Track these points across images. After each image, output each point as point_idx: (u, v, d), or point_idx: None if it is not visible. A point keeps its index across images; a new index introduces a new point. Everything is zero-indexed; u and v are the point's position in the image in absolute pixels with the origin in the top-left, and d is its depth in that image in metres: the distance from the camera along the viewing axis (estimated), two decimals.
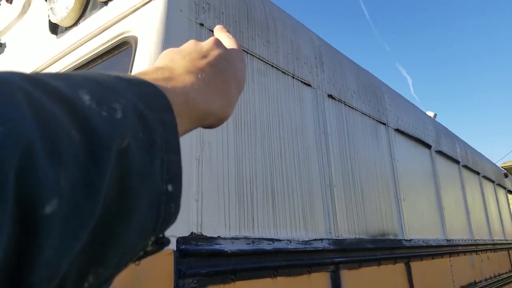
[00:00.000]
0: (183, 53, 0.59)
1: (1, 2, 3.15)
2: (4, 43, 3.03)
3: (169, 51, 0.62)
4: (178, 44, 1.73)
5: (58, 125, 0.30)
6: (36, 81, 0.32)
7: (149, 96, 0.41)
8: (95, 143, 0.31)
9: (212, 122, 0.58)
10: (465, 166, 6.12)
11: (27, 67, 2.62)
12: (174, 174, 0.41)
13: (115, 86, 0.38)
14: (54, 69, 2.39)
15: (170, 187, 0.40)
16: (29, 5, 2.84)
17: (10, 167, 0.25)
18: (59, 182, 0.28)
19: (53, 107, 0.30)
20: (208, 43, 0.63)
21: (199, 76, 0.55)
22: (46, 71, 2.48)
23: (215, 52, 0.61)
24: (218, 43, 0.64)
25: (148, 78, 0.47)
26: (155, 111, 0.40)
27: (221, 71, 0.60)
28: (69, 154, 0.29)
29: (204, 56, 0.59)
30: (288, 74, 2.57)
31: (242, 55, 0.72)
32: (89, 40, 2.16)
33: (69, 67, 2.27)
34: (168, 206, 0.40)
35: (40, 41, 2.60)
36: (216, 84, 0.57)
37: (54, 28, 2.46)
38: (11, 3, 2.98)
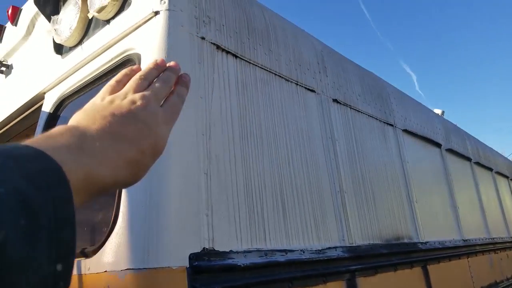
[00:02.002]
0: (103, 112, 0.56)
1: (6, 25, 3.18)
2: (11, 65, 3.06)
3: (92, 106, 0.60)
4: (180, 59, 1.72)
5: None
6: None
7: (40, 173, 0.39)
8: None
9: (117, 188, 0.56)
10: (477, 163, 6.02)
11: (33, 89, 2.63)
12: (64, 252, 0.39)
13: None
14: (60, 89, 2.39)
15: (59, 267, 0.38)
16: (33, 27, 2.86)
17: None
18: None
19: None
20: (132, 103, 0.59)
21: (111, 144, 0.52)
22: (52, 91, 2.48)
23: (136, 117, 0.58)
24: (144, 104, 0.60)
25: (51, 143, 0.45)
26: (44, 189, 0.38)
27: (136, 140, 0.56)
28: None
29: (123, 122, 0.56)
30: (291, 81, 2.55)
31: (178, 108, 0.68)
32: (93, 59, 2.16)
33: (75, 86, 2.27)
34: (56, 285, 0.38)
35: (45, 62, 2.61)
36: (128, 154, 0.55)
37: (59, 49, 2.47)
38: (16, 25, 3.01)
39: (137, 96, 0.61)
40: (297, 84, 2.60)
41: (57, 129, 0.51)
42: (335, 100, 2.95)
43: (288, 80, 2.53)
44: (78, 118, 0.56)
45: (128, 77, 0.68)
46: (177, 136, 1.65)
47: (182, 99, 0.72)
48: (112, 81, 0.68)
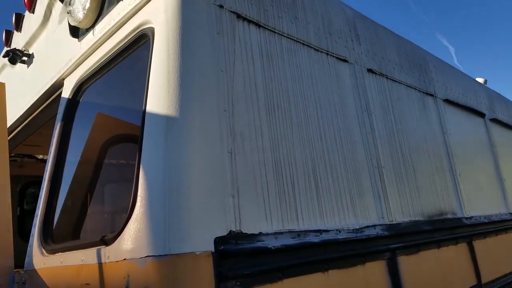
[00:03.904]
0: None
1: (24, 13, 3.16)
2: (32, 54, 3.04)
3: None
4: (197, 30, 1.60)
5: None
6: None
7: None
8: None
9: None
10: None
11: (52, 76, 2.60)
12: None
13: None
14: (78, 73, 2.34)
15: None
16: (50, 12, 2.81)
17: None
18: None
19: None
20: None
21: None
22: (70, 77, 2.44)
23: None
24: None
25: None
26: None
27: None
28: None
29: None
30: (321, 51, 2.38)
31: None
32: (108, 38, 2.08)
33: (92, 69, 2.21)
34: None
35: (63, 47, 2.57)
36: None
37: (75, 31, 2.41)
38: (33, 12, 2.98)
39: None
40: (327, 54, 2.42)
41: None
42: (369, 70, 2.76)
43: (317, 50, 2.36)
44: None
45: None
46: (196, 113, 1.55)
47: None
48: None
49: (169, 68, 1.57)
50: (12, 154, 4.27)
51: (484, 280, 3.17)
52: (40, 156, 4.73)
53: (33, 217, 2.22)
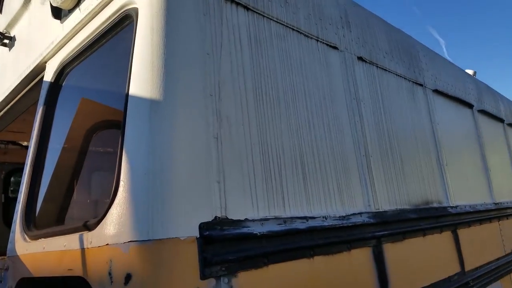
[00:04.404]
0: None
1: None
2: (14, 36, 2.96)
3: None
4: (182, 11, 1.56)
5: None
6: None
7: None
8: None
9: None
10: (510, 125, 5.74)
11: (35, 59, 2.53)
12: None
13: None
14: (60, 56, 2.28)
15: None
16: None
17: None
18: None
19: None
20: None
21: None
22: (53, 60, 2.38)
23: None
24: None
25: None
26: None
27: None
28: None
29: None
30: (311, 37, 2.35)
31: None
32: (91, 20, 2.02)
33: (74, 51, 2.15)
34: None
35: (45, 30, 2.49)
36: None
37: (57, 13, 2.33)
38: None
39: None
40: (317, 40, 2.40)
41: None
42: (360, 58, 2.74)
43: (307, 36, 2.33)
44: None
45: None
46: (181, 96, 1.52)
47: None
48: None
49: (153, 50, 1.53)
50: None
51: (468, 267, 3.23)
52: (25, 143, 4.65)
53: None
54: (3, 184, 4.45)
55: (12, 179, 4.60)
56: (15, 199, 4.36)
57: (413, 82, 3.38)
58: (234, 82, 1.75)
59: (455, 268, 3.09)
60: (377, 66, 2.92)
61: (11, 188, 4.55)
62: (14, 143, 4.52)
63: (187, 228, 1.38)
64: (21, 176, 4.55)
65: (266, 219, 1.69)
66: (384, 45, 3.10)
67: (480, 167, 4.34)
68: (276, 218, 1.74)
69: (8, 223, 3.63)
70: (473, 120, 4.51)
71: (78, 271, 1.50)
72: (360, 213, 2.27)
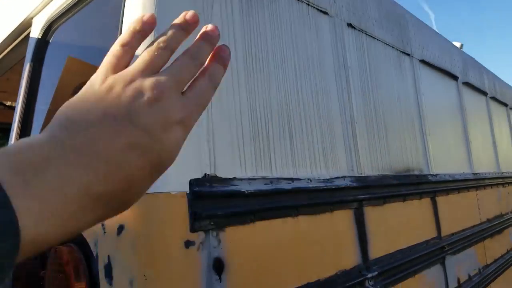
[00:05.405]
0: (93, 112, 0.42)
1: None
2: None
3: (85, 94, 0.46)
4: None
5: None
6: None
7: None
8: None
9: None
10: (493, 98, 5.87)
11: (19, 15, 2.47)
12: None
13: None
14: (48, 11, 2.23)
15: None
16: None
17: None
18: None
19: None
20: (136, 95, 0.43)
21: (89, 173, 0.39)
22: (39, 15, 2.33)
23: (137, 122, 0.42)
24: (155, 98, 0.43)
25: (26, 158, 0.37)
26: None
27: (127, 163, 0.42)
28: None
29: (114, 133, 0.41)
30: (302, 1, 2.35)
31: (206, 98, 0.49)
32: None
33: (63, 6, 2.11)
34: None
35: None
36: (115, 187, 0.42)
37: None
38: None
39: (148, 83, 0.44)
40: (308, 5, 2.40)
41: (43, 136, 0.40)
42: (349, 25, 2.75)
43: (298, 0, 2.33)
44: (64, 116, 0.44)
45: (140, 36, 0.49)
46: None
47: (215, 83, 0.52)
48: (116, 45, 0.48)
49: (144, 7, 1.53)
50: None
51: (444, 233, 3.39)
52: (8, 103, 4.58)
53: None
54: None
55: None
56: None
57: (401, 51, 3.41)
58: (224, 43, 1.75)
59: (432, 233, 3.24)
60: (366, 34, 2.93)
61: None
62: None
63: (178, 184, 1.42)
64: (5, 137, 4.48)
65: (253, 179, 1.75)
66: (374, 13, 3.10)
67: (461, 138, 4.46)
68: (263, 178, 1.80)
69: None
70: (457, 92, 4.59)
71: None
72: (344, 177, 2.35)
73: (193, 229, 1.43)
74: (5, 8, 2.76)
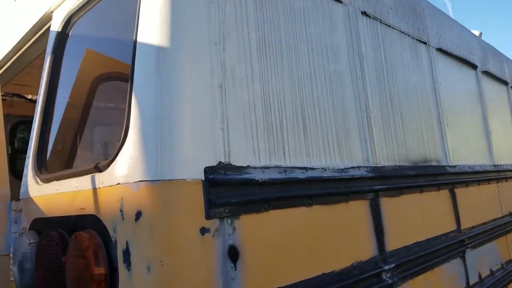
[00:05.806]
0: None
1: None
2: None
3: None
4: None
5: None
6: None
7: None
8: None
9: None
10: None
11: (41, 7, 2.52)
12: None
13: None
14: (67, 5, 2.28)
15: None
16: None
17: None
18: None
19: None
20: None
21: None
22: (59, 9, 2.37)
23: None
24: None
25: None
26: None
27: None
28: None
29: None
30: None
31: None
32: None
33: (75, 5, 2.15)
34: None
35: None
36: None
37: None
38: None
39: None
40: None
41: None
42: (364, 13, 2.72)
43: None
44: None
45: None
46: (188, 44, 1.55)
47: None
48: None
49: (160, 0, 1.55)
50: (2, 93, 4.23)
51: (464, 226, 3.32)
52: (29, 96, 4.68)
53: (25, 158, 2.25)
54: (10, 136, 4.52)
55: (17, 131, 4.67)
56: (21, 151, 4.46)
57: (417, 39, 3.35)
58: (238, 33, 1.77)
59: (451, 226, 3.19)
60: (381, 22, 2.90)
61: (17, 140, 4.63)
62: (19, 96, 4.56)
63: (193, 171, 1.45)
64: (26, 129, 4.58)
65: (267, 167, 1.76)
66: (388, 0, 3.06)
67: (481, 128, 4.36)
68: (277, 167, 1.81)
69: (15, 173, 3.72)
70: (477, 81, 4.48)
71: (90, 210, 1.59)
72: (359, 167, 2.34)
73: (208, 216, 1.45)
74: (25, 3, 2.82)
